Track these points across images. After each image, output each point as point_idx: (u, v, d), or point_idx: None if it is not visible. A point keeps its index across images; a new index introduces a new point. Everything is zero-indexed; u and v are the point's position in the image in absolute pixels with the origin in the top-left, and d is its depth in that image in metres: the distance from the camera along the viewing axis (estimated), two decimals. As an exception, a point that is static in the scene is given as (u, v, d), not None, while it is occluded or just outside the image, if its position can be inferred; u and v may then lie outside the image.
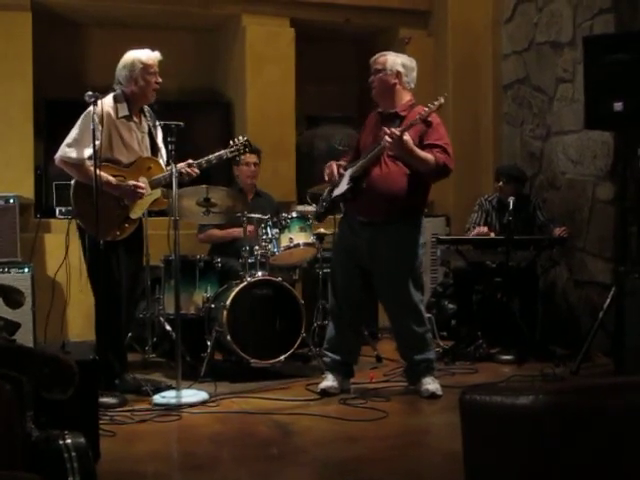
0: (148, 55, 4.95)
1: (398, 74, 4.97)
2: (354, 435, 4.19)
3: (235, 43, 7.55)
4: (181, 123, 4.94)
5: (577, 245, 6.38)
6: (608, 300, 5.40)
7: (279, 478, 3.69)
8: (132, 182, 4.85)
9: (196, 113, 7.39)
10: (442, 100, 4.76)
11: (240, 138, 5.30)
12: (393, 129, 4.67)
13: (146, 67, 4.91)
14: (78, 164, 4.75)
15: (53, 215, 6.56)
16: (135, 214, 4.93)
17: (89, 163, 4.70)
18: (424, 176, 4.85)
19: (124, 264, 4.87)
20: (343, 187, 4.97)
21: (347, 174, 4.98)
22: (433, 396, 4.87)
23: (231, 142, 5.28)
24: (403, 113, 4.92)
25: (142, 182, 4.91)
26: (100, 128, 4.68)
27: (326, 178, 5.10)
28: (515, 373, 5.51)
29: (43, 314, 5.74)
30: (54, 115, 6.70)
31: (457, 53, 7.78)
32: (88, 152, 4.69)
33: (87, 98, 4.64)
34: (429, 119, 4.80)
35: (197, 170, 5.05)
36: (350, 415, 4.52)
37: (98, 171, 4.55)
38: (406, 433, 4.31)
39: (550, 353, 5.87)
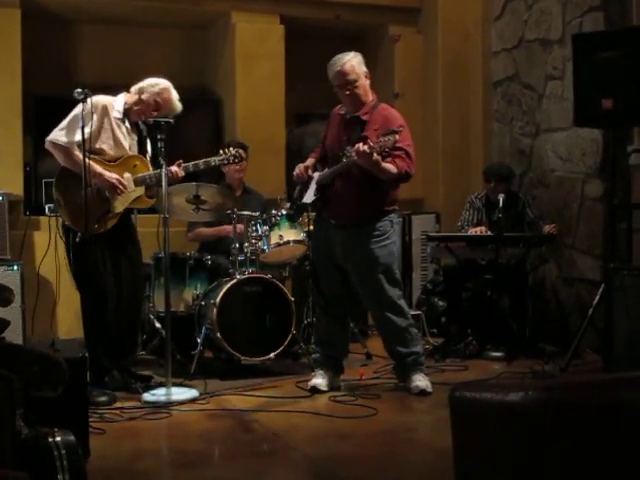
0: (174, 91, 5.04)
1: (366, 75, 4.97)
2: (344, 432, 4.20)
3: (225, 40, 7.54)
4: (171, 120, 4.94)
5: (566, 242, 6.40)
6: (597, 297, 5.42)
7: (269, 475, 3.69)
8: (115, 175, 4.85)
9: (185, 110, 7.31)
10: (397, 137, 4.65)
11: (231, 149, 5.33)
12: (363, 147, 4.60)
13: (164, 93, 4.97)
14: (66, 147, 4.78)
15: (42, 212, 6.53)
16: (116, 208, 4.93)
17: (77, 149, 4.74)
18: (385, 183, 4.85)
19: (109, 259, 4.86)
20: (311, 195, 5.02)
21: (314, 180, 5.01)
22: (423, 393, 4.88)
23: (221, 151, 5.31)
24: (365, 117, 4.90)
25: (126, 178, 4.91)
26: (92, 117, 4.70)
27: (294, 178, 5.13)
28: (505, 370, 5.53)
29: (32, 312, 5.73)
30: (43, 112, 6.66)
31: (447, 50, 7.78)
32: (78, 137, 4.70)
33: (76, 95, 4.65)
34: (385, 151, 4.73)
35: (183, 173, 5.07)
36: (340, 412, 4.52)
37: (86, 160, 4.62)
38: (396, 430, 4.32)
39: (539, 350, 5.89)
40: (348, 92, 4.88)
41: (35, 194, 6.82)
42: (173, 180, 5.04)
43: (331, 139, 5.11)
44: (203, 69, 7.87)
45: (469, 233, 6.32)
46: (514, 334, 5.94)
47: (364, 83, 4.94)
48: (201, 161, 5.17)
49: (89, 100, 4.64)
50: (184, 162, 5.10)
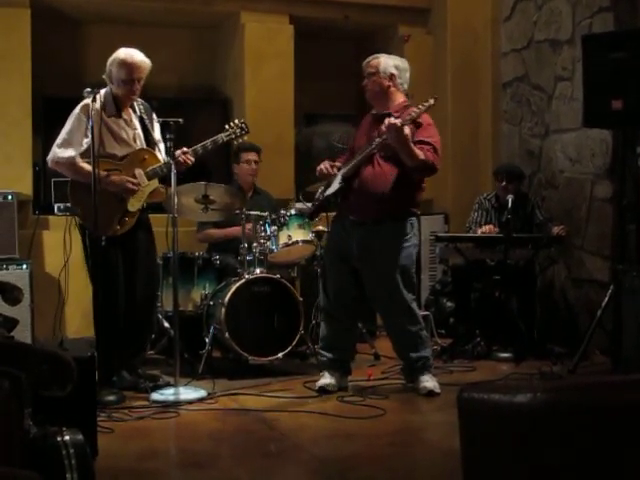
0: (130, 56, 4.85)
1: (392, 76, 5.01)
2: (352, 433, 4.20)
3: (234, 40, 7.54)
4: (180, 120, 4.92)
5: (575, 243, 6.38)
6: (606, 298, 5.40)
7: (277, 475, 3.69)
8: (124, 177, 4.84)
9: (195, 110, 7.38)
10: (432, 102, 4.78)
11: (237, 121, 5.24)
12: (394, 120, 4.67)
13: (123, 66, 4.82)
14: (70, 163, 4.77)
15: (51, 212, 6.54)
16: (133, 207, 4.91)
17: (81, 160, 4.73)
18: (409, 170, 4.85)
19: (123, 260, 4.86)
20: (335, 186, 4.99)
21: (339, 174, 5.00)
22: (431, 394, 4.88)
23: (227, 126, 5.22)
24: (396, 114, 4.92)
25: (137, 174, 4.90)
26: (87, 126, 4.69)
27: (317, 174, 5.12)
28: (513, 371, 5.53)
29: (41, 311, 5.75)
30: (53, 112, 6.67)
31: (456, 51, 7.77)
32: (78, 150, 4.73)
33: (85, 94, 4.66)
34: (419, 120, 4.81)
35: (192, 158, 4.98)
36: (348, 413, 4.52)
37: (91, 168, 4.57)
38: (404, 431, 4.32)
39: (548, 351, 5.87)
40: (365, 83, 5.01)
41: (44, 193, 6.83)
42: (183, 167, 4.96)
43: (360, 139, 5.14)
44: (212, 69, 7.88)
45: (477, 233, 6.31)
46: (522, 335, 5.93)
47: (382, 82, 4.99)
48: (209, 141, 5.09)
49: (95, 102, 4.64)
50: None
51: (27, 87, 6.53)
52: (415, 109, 4.78)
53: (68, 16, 7.23)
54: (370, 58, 5.07)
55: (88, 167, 4.64)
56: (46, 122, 6.79)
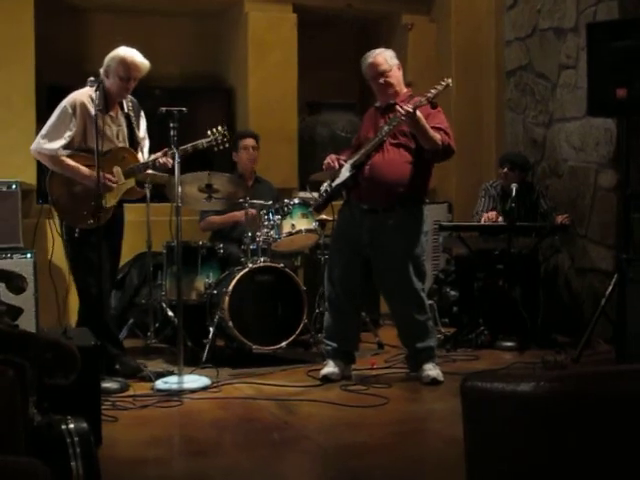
0: (131, 56, 4.87)
1: (399, 66, 5.04)
2: (355, 421, 4.21)
3: (237, 29, 7.53)
4: (183, 109, 4.93)
5: (579, 232, 6.38)
6: (610, 287, 5.40)
7: (280, 464, 3.70)
8: (103, 174, 4.83)
9: (198, 99, 7.37)
10: (449, 81, 4.77)
11: (219, 128, 5.23)
12: (405, 106, 4.66)
13: (121, 65, 4.84)
14: (51, 155, 4.83)
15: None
16: (108, 203, 4.92)
17: (62, 153, 4.81)
18: (428, 155, 4.85)
19: (105, 250, 4.86)
20: (345, 175, 4.98)
21: (347, 164, 4.99)
22: (434, 382, 4.88)
23: (209, 132, 5.22)
24: (403, 104, 4.92)
25: (115, 171, 4.92)
26: (74, 120, 4.79)
27: (324, 167, 5.10)
28: (516, 360, 5.53)
29: (45, 300, 5.75)
30: (56, 101, 6.64)
31: (460, 39, 7.75)
32: (60, 143, 4.80)
33: (89, 84, 4.70)
34: (433, 101, 4.80)
35: (171, 160, 4.96)
36: (351, 401, 4.53)
37: (73, 162, 4.81)
38: (407, 419, 4.33)
39: (551, 340, 5.88)
40: (382, 82, 4.96)
41: (44, 183, 6.83)
42: (163, 169, 5.02)
43: (366, 130, 5.12)
44: (215, 58, 7.86)
45: (482, 220, 6.31)
46: (526, 324, 5.92)
47: (397, 74, 5.01)
48: (189, 145, 5.08)
49: (65, 101, 4.80)
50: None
51: (30, 76, 6.52)
52: (432, 90, 4.76)
53: (71, 4, 7.22)
54: (370, 59, 4.99)
55: (68, 161, 4.81)
56: (49, 111, 6.70)
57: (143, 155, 5.12)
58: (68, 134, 4.80)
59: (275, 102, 7.31)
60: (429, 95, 4.74)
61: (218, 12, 7.73)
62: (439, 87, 4.78)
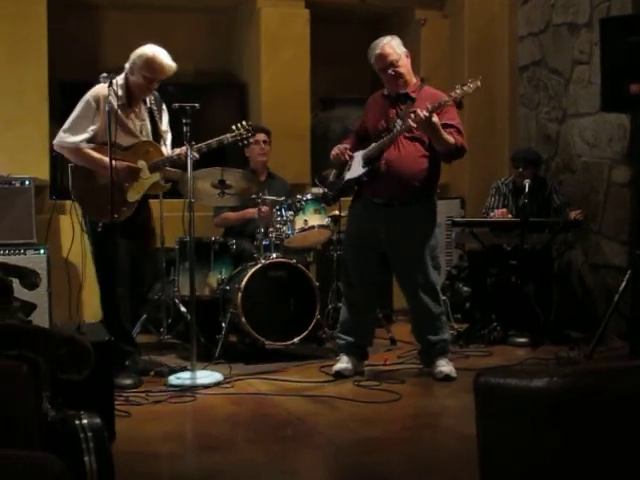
0: (159, 58, 4.85)
1: (407, 54, 5.00)
2: (368, 417, 4.21)
3: (250, 25, 7.53)
4: (196, 105, 4.94)
5: (593, 228, 6.35)
6: (623, 283, 5.38)
7: (293, 459, 3.70)
8: (125, 163, 4.84)
9: (211, 95, 7.38)
10: (478, 83, 4.72)
11: (243, 123, 5.21)
12: (419, 111, 4.63)
13: (147, 65, 4.83)
14: (74, 148, 4.83)
15: (68, 197, 6.55)
16: (132, 197, 4.94)
17: (85, 146, 4.80)
18: (440, 156, 4.85)
19: (125, 247, 4.87)
20: (358, 170, 4.96)
21: (358, 157, 4.97)
22: (447, 378, 4.88)
23: (233, 127, 5.18)
24: (414, 94, 4.92)
25: (140, 165, 4.92)
26: (96, 113, 4.80)
27: (332, 158, 5.09)
28: (530, 356, 5.52)
29: (59, 295, 5.77)
30: (69, 97, 6.65)
31: (473, 35, 7.73)
32: (83, 136, 4.80)
33: (102, 80, 4.70)
34: (460, 101, 4.78)
35: (196, 155, 4.97)
36: (364, 397, 4.53)
37: (96, 154, 4.77)
38: (420, 415, 4.33)
39: (565, 336, 5.87)
40: (392, 72, 4.91)
41: (61, 178, 6.84)
42: (181, 165, 5.00)
43: (375, 119, 5.06)
44: (228, 54, 7.87)
45: (492, 217, 6.29)
46: (539, 320, 5.91)
47: (406, 63, 4.97)
48: (214, 140, 5.08)
49: (88, 94, 4.79)
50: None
51: (43, 72, 6.54)
52: (459, 90, 4.70)
53: (84, 1, 7.24)
54: (378, 50, 4.93)
55: (92, 153, 4.79)
56: (63, 107, 6.78)
57: (166, 148, 5.11)
58: (92, 128, 4.79)
59: (288, 98, 7.31)
60: (455, 96, 4.70)
61: (231, 8, 7.74)
62: (467, 88, 4.70)
